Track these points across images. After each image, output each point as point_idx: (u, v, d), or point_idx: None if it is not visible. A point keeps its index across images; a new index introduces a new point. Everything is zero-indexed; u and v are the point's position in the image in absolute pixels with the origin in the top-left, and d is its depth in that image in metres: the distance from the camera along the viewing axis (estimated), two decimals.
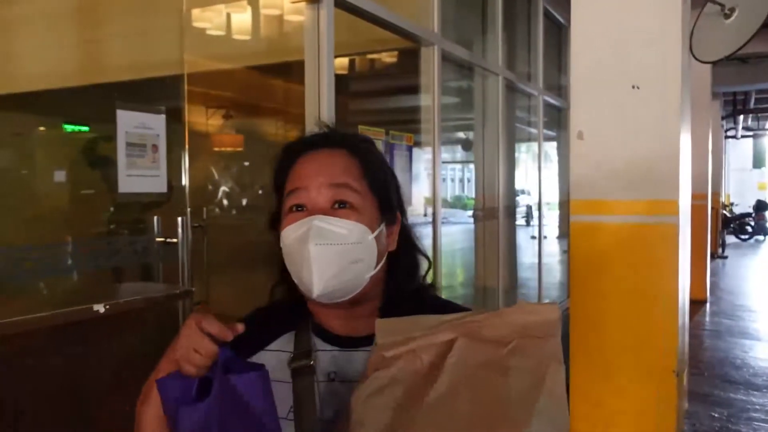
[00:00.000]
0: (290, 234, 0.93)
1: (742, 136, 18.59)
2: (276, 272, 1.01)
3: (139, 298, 0.91)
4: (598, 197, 2.94)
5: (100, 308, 0.89)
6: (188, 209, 2.21)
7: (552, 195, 7.50)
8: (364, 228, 0.93)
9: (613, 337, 2.91)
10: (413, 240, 1.07)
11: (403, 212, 1.05)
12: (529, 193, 7.29)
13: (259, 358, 0.96)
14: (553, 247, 8.08)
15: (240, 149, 5.76)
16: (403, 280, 1.01)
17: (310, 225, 0.90)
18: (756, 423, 3.41)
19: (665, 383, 2.89)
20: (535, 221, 6.65)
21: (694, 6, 3.18)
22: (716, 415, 3.53)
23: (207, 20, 4.49)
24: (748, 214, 15.84)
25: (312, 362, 0.93)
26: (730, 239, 14.40)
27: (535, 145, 6.34)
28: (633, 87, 2.88)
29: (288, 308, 1.02)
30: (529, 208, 8.25)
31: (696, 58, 3.36)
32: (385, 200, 0.99)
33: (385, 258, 0.98)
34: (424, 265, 1.08)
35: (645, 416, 2.89)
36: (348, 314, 0.98)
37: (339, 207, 0.93)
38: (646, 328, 2.89)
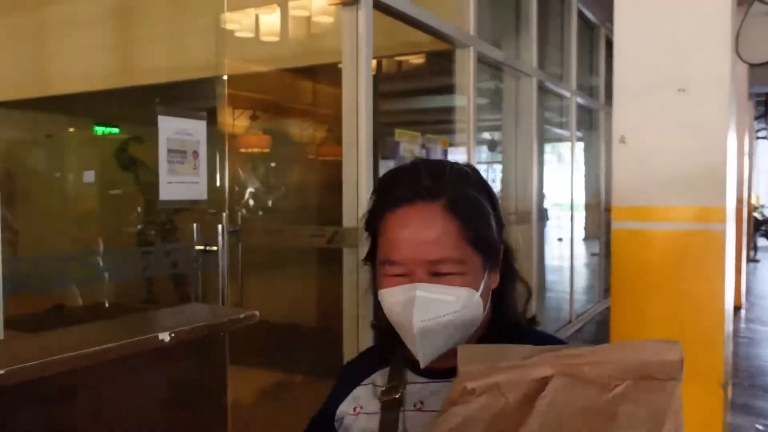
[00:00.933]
0: (391, 299, 0.89)
1: None
2: (371, 309, 1.00)
3: (202, 324, 0.87)
4: (641, 204, 2.86)
5: (165, 337, 0.85)
6: (225, 213, 2.18)
7: (581, 197, 7.39)
8: (470, 291, 0.88)
9: None
10: (514, 269, 1.01)
11: (503, 235, 0.98)
12: (545, 195, 7.22)
13: (357, 392, 0.98)
14: (581, 250, 7.96)
15: (267, 150, 5.75)
16: (504, 313, 0.98)
17: (413, 296, 0.85)
18: None
19: (711, 397, 2.80)
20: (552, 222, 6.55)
21: (740, 6, 3.08)
22: (761, 428, 3.42)
23: (238, 22, 4.48)
24: None
25: (399, 395, 0.92)
26: (762, 242, 14.10)
27: (560, 146, 6.25)
28: (679, 90, 2.79)
29: (388, 345, 1.00)
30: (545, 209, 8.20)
31: (742, 60, 3.26)
32: (489, 249, 0.93)
33: (489, 296, 0.94)
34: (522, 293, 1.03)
35: (689, 427, 2.80)
36: (447, 355, 0.93)
37: (441, 274, 0.88)
38: (690, 340, 2.80)
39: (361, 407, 0.96)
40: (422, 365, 0.88)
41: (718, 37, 2.75)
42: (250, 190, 5.24)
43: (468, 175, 0.95)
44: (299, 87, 5.06)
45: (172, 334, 0.87)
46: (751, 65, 3.38)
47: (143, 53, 3.88)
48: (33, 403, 0.80)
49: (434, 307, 0.85)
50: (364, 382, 0.99)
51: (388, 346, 0.99)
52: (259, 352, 3.47)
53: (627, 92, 2.92)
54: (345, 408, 0.98)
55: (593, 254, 8.02)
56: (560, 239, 8.85)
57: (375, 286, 0.95)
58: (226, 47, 3.59)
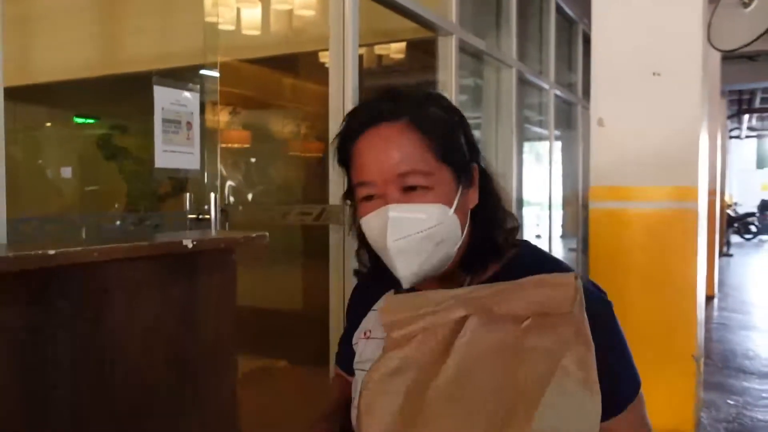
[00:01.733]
0: (368, 225, 0.91)
1: (747, 137, 18.62)
2: (357, 240, 1.01)
3: (221, 237, 0.94)
4: (618, 183, 2.96)
5: (188, 243, 0.92)
6: (218, 185, 2.23)
7: (559, 192, 7.50)
8: (442, 206, 0.89)
9: (633, 325, 2.92)
10: (494, 188, 1.00)
11: (478, 156, 0.98)
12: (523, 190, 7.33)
13: (369, 319, 1.03)
14: (557, 246, 8.09)
15: (247, 146, 5.77)
16: (487, 233, 0.95)
17: (386, 217, 0.87)
18: None
19: (684, 369, 2.90)
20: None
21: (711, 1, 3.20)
22: (732, 403, 3.55)
23: (222, 15, 4.50)
24: (752, 214, 15.84)
25: None
26: (734, 239, 14.40)
27: (538, 145, 6.35)
28: (654, 74, 2.90)
29: (389, 272, 0.98)
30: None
31: (714, 47, 3.38)
32: (460, 164, 0.93)
33: (468, 217, 0.94)
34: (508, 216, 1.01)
35: (664, 402, 2.90)
36: (443, 285, 0.94)
37: (411, 190, 0.89)
38: (666, 314, 2.90)
39: (370, 331, 1.01)
40: (404, 285, 0.90)
41: (691, 24, 2.86)
42: (230, 184, 5.26)
43: (431, 95, 0.98)
44: (283, 82, 5.09)
45: (194, 242, 0.93)
46: (723, 52, 3.50)
47: (127, 43, 3.90)
48: (72, 293, 0.88)
49: (407, 225, 0.86)
50: (374, 307, 1.03)
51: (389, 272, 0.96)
52: (248, 339, 3.49)
53: (604, 77, 3.02)
54: (358, 333, 1.04)
55: (571, 250, 8.16)
56: (538, 236, 8.93)
57: (357, 224, 0.97)
58: (215, 41, 3.63)
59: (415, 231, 0.86)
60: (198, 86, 2.06)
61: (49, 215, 2.20)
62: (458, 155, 0.93)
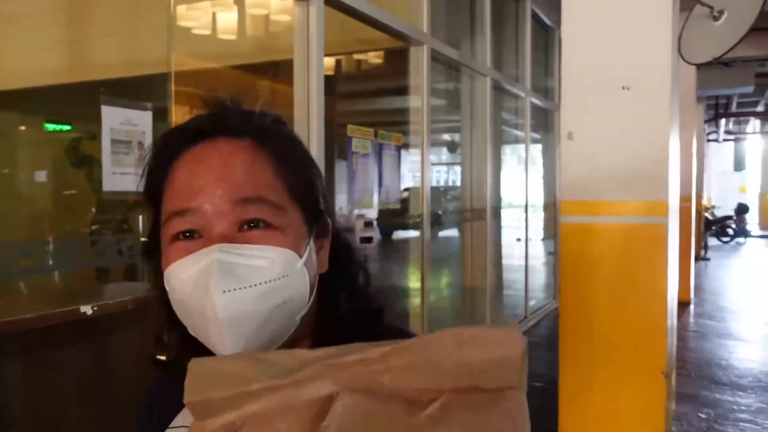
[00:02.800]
0: (181, 273, 0.62)
1: (724, 140, 18.81)
2: (162, 314, 0.69)
3: (127, 299, 0.87)
4: (588, 198, 2.93)
5: (87, 309, 0.84)
6: None
7: (537, 197, 7.52)
8: (290, 253, 0.63)
9: (602, 338, 2.91)
10: (350, 251, 0.77)
11: (332, 214, 0.75)
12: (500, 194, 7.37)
13: None
14: (537, 249, 8.11)
15: None
16: (340, 306, 0.72)
17: (212, 261, 0.60)
18: (743, 423, 3.43)
19: (654, 384, 2.89)
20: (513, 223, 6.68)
21: (682, 8, 3.19)
22: (703, 416, 3.54)
23: (193, 19, 4.44)
24: (730, 217, 16.02)
25: None
26: (712, 242, 14.54)
27: (518, 148, 6.36)
28: (623, 88, 2.88)
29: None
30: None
31: (685, 60, 3.38)
32: (312, 205, 0.69)
33: (316, 282, 0.69)
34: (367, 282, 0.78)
35: (634, 417, 2.88)
36: None
37: (250, 227, 0.63)
38: (636, 329, 2.88)
39: None
40: None
41: (660, 37, 2.84)
42: None
43: (281, 120, 0.73)
44: (253, 86, 5.02)
45: (95, 307, 0.87)
46: (692, 65, 3.50)
47: (95, 49, 3.83)
48: None
49: (242, 274, 0.60)
50: (175, 423, 0.71)
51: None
52: None
53: (574, 90, 3.00)
54: None
55: (550, 253, 8.18)
56: (518, 239, 8.95)
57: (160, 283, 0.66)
58: (180, 43, 3.56)
59: (254, 282, 0.60)
60: (150, 104, 2.00)
61: (16, 242, 2.11)
62: (312, 193, 0.70)
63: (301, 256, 0.64)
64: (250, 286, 0.60)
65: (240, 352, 0.60)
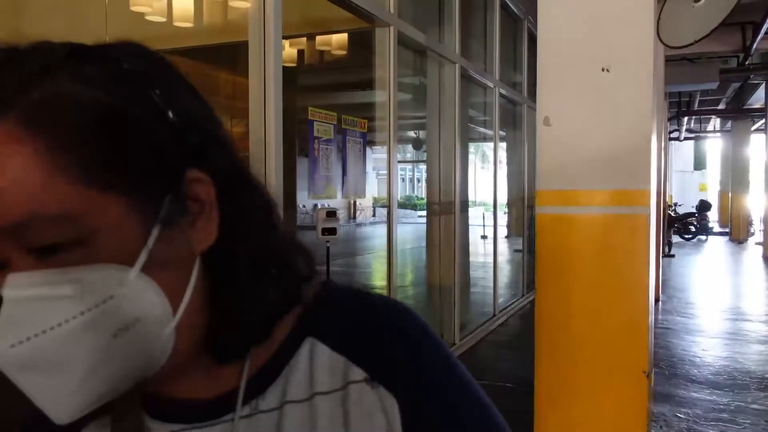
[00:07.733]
0: None
1: (685, 138, 19.10)
2: None
3: None
4: (566, 187, 2.75)
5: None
6: None
7: (504, 193, 7.39)
8: (111, 267, 0.44)
9: (581, 336, 2.74)
10: (262, 207, 0.55)
11: (216, 153, 0.51)
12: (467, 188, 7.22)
13: None
14: (502, 247, 8.01)
15: None
16: (241, 280, 0.52)
17: None
18: (723, 424, 3.29)
19: (635, 384, 2.73)
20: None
21: None
22: (682, 416, 3.40)
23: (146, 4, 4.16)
24: (692, 214, 16.21)
25: None
26: (675, 239, 14.68)
27: (483, 146, 6.22)
28: (603, 70, 2.70)
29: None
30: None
31: (664, 43, 3.23)
32: (149, 180, 0.47)
33: (196, 267, 0.50)
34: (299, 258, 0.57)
35: (614, 419, 2.72)
36: (182, 374, 0.52)
37: (49, 253, 0.44)
38: (616, 326, 2.72)
39: None
40: (62, 422, 0.45)
41: (642, 17, 2.68)
42: None
43: (80, 51, 0.46)
44: (213, 75, 4.76)
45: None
46: (670, 47, 3.36)
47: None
48: None
49: (34, 316, 0.43)
50: None
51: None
52: None
53: (551, 73, 2.81)
54: None
55: (517, 251, 8.08)
56: (484, 237, 8.79)
57: None
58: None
59: (55, 322, 0.43)
60: None
61: None
62: (144, 163, 0.46)
63: (132, 263, 0.45)
64: (50, 329, 0.42)
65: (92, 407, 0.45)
